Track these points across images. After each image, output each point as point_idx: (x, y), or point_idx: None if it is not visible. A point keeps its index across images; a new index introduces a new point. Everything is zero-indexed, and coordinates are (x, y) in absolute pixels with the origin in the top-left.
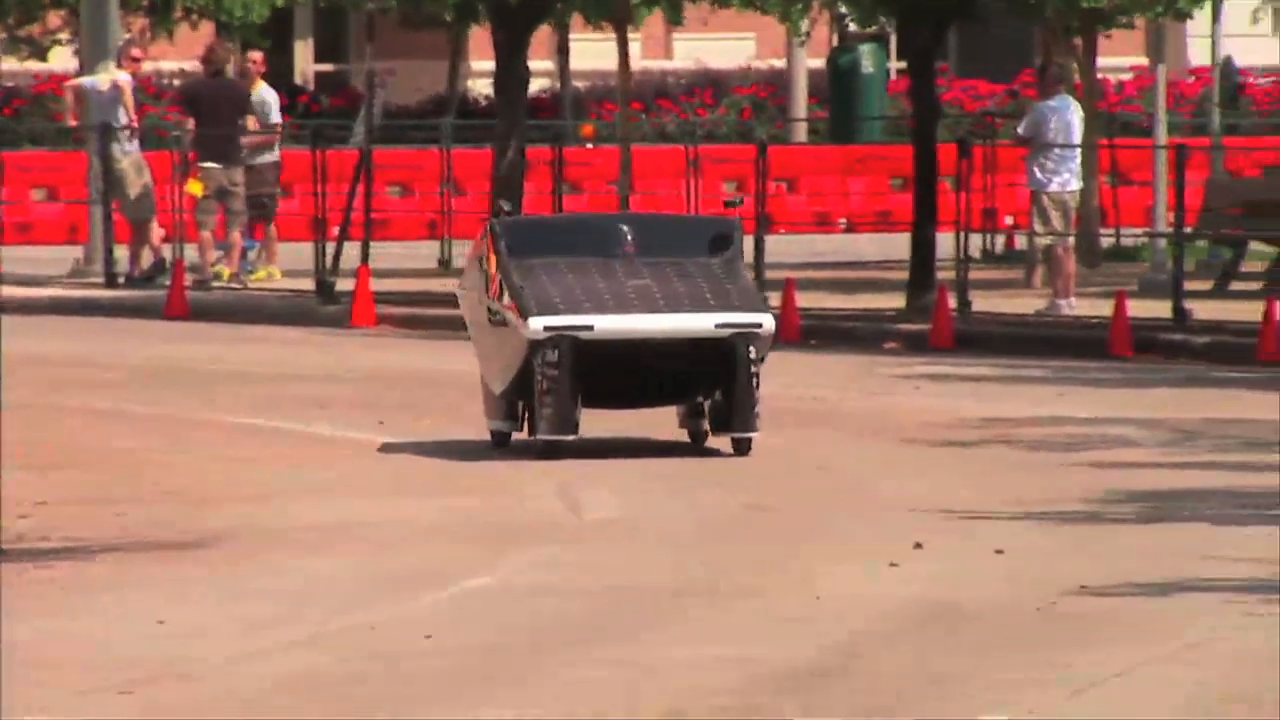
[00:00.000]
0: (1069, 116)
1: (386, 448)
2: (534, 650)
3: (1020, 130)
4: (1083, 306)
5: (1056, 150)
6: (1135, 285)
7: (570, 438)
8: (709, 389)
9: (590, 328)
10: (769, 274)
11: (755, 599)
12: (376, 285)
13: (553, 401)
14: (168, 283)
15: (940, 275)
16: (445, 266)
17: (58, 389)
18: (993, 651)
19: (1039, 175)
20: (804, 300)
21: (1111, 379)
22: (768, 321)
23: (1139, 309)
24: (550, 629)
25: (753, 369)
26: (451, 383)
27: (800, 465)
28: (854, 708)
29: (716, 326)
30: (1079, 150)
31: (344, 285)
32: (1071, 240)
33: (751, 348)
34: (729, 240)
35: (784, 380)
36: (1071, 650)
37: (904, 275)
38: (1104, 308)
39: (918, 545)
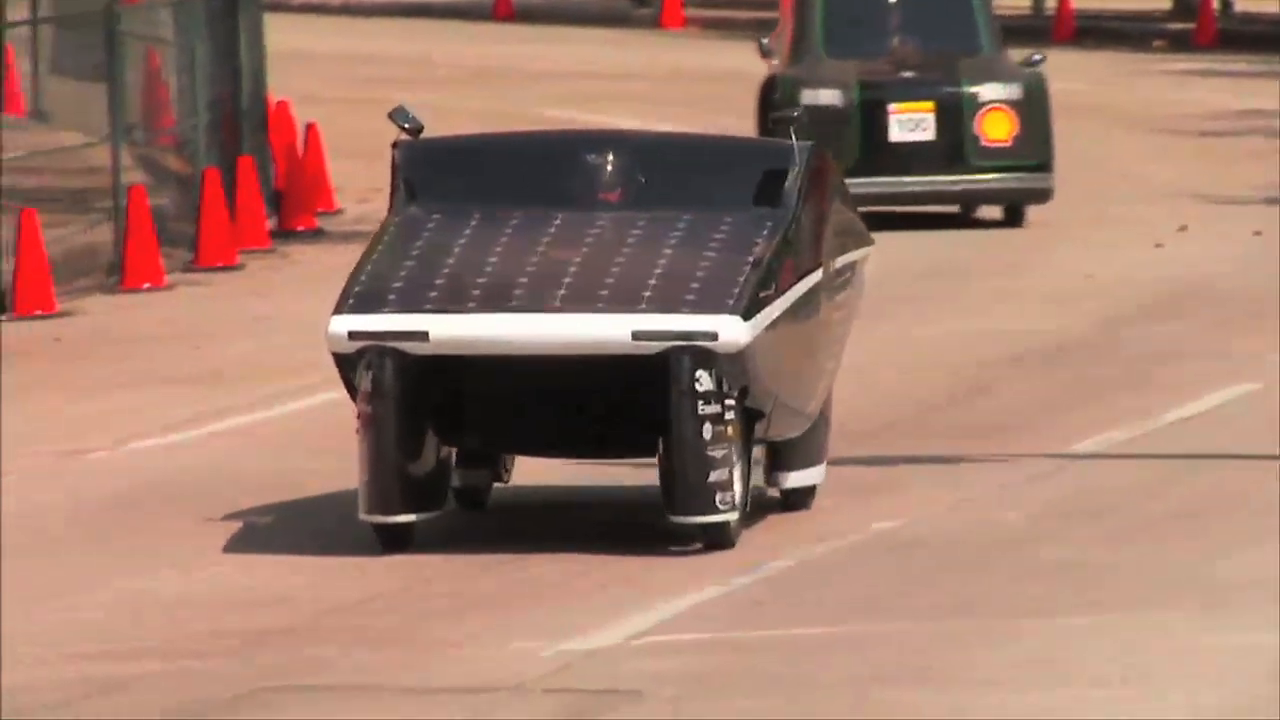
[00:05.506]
0: None
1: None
2: None
3: None
4: None
5: None
6: None
7: (400, 519)
8: (649, 434)
9: (424, 335)
10: None
11: (1029, 275)
12: None
13: (368, 460)
14: None
15: None
16: None
17: (388, 85)
18: (1233, 326)
19: None
20: (1077, 2)
21: None
22: (728, 330)
23: None
24: None
25: (703, 408)
26: (740, 80)
27: (1072, 157)
28: (1105, 378)
29: (635, 337)
30: None
31: None
32: None
33: (701, 372)
34: (778, 182)
35: (1055, 76)
36: None
37: None
38: None
39: (1182, 228)
